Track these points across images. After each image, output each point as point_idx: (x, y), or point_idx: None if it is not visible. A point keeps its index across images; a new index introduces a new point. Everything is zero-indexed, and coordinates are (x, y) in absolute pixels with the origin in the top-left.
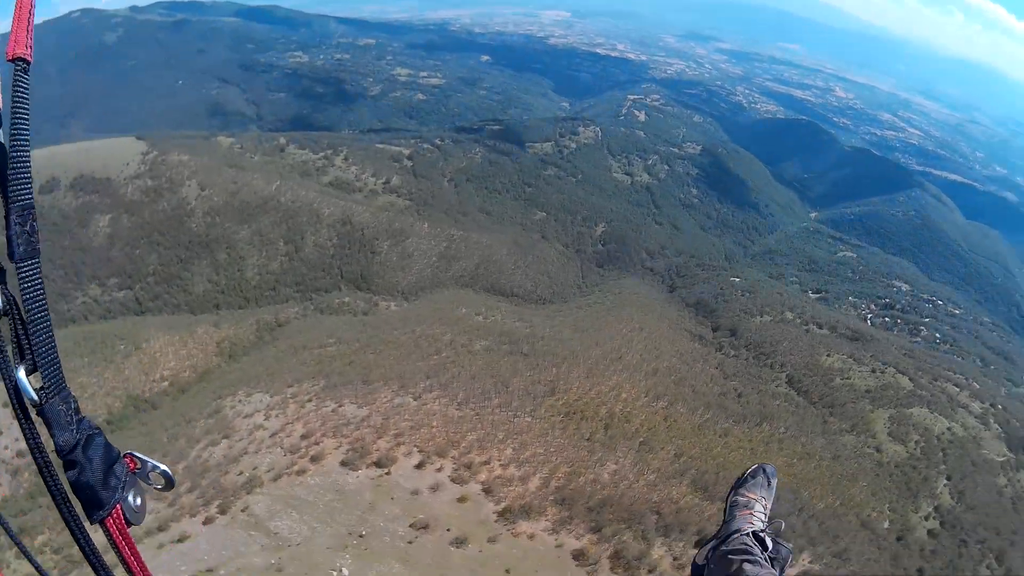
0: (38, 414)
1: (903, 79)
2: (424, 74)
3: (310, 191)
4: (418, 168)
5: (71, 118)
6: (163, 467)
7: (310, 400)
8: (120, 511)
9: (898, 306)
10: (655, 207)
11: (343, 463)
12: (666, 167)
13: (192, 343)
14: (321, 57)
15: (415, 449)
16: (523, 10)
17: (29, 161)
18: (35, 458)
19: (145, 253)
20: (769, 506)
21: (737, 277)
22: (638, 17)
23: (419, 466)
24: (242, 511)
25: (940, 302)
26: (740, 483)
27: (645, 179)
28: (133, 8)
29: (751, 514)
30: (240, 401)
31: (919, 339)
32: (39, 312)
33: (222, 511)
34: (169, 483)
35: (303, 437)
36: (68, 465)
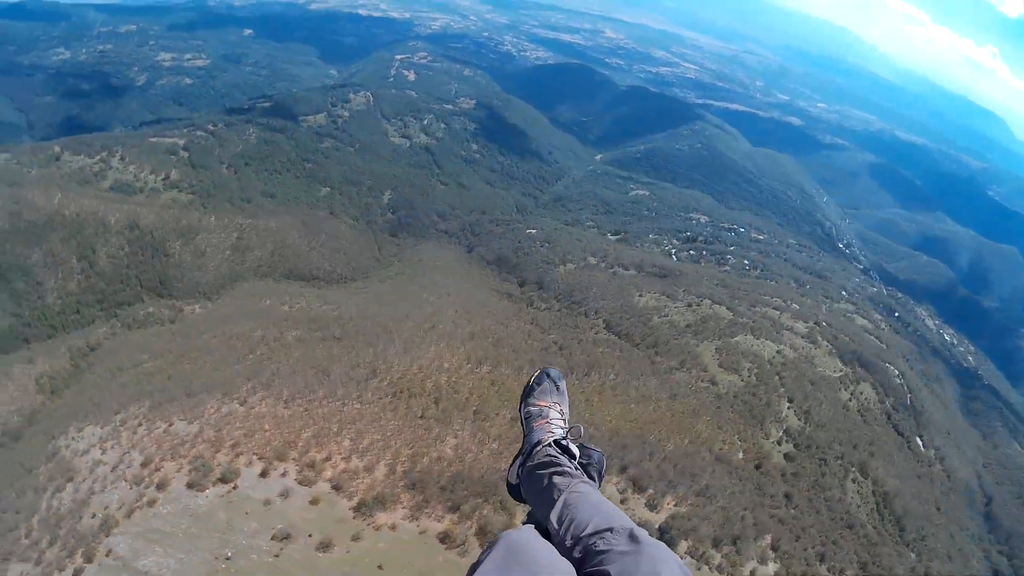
0: None
1: (672, 14)
2: (189, 56)
3: (92, 199)
4: (195, 158)
5: None
6: None
7: (140, 424)
8: None
9: (700, 238)
10: (438, 167)
11: (189, 485)
12: (443, 125)
13: (12, 386)
14: (84, 51)
15: (255, 457)
16: None
17: None
18: None
19: None
20: (565, 410)
21: (533, 228)
22: None
23: (263, 474)
24: (107, 555)
25: (742, 229)
26: (528, 393)
27: (423, 140)
28: None
29: (547, 423)
30: (73, 438)
31: (728, 268)
32: None
33: (88, 559)
34: None
35: (143, 465)
36: None
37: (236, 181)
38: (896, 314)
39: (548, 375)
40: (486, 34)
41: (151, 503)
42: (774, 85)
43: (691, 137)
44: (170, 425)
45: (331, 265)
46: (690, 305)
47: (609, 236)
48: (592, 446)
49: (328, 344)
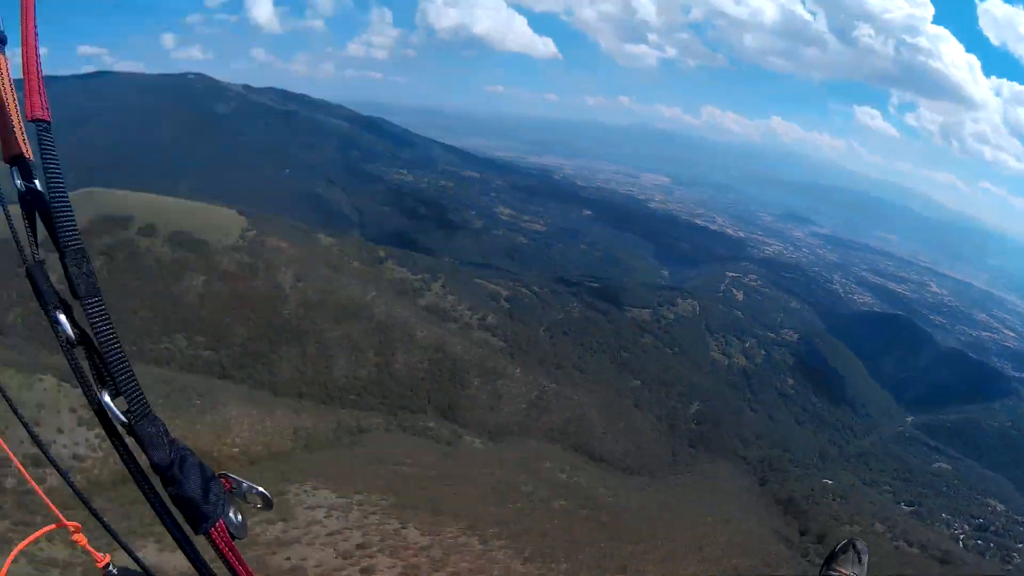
0: (129, 434)
1: (997, 275)
2: (527, 218)
3: (405, 310)
4: (515, 311)
5: (180, 176)
6: (260, 488)
7: (375, 513)
8: (223, 525)
9: (991, 528)
10: (751, 392)
11: None
12: (763, 352)
13: (269, 422)
14: (426, 180)
15: None
16: (624, 168)
17: (71, 210)
18: (133, 473)
19: (235, 323)
20: None
21: (830, 479)
22: (736, 191)
23: None
24: None
25: None
26: (831, 558)
27: (742, 362)
28: (247, 87)
29: None
30: (306, 492)
31: (1011, 567)
32: (113, 343)
33: None
34: (267, 503)
35: (359, 547)
36: (167, 481)
37: (551, 345)
38: None
39: (854, 545)
40: (816, 269)
41: None
42: None
43: (1002, 414)
44: (403, 527)
45: (623, 453)
46: None
47: (903, 506)
48: None
49: (591, 525)
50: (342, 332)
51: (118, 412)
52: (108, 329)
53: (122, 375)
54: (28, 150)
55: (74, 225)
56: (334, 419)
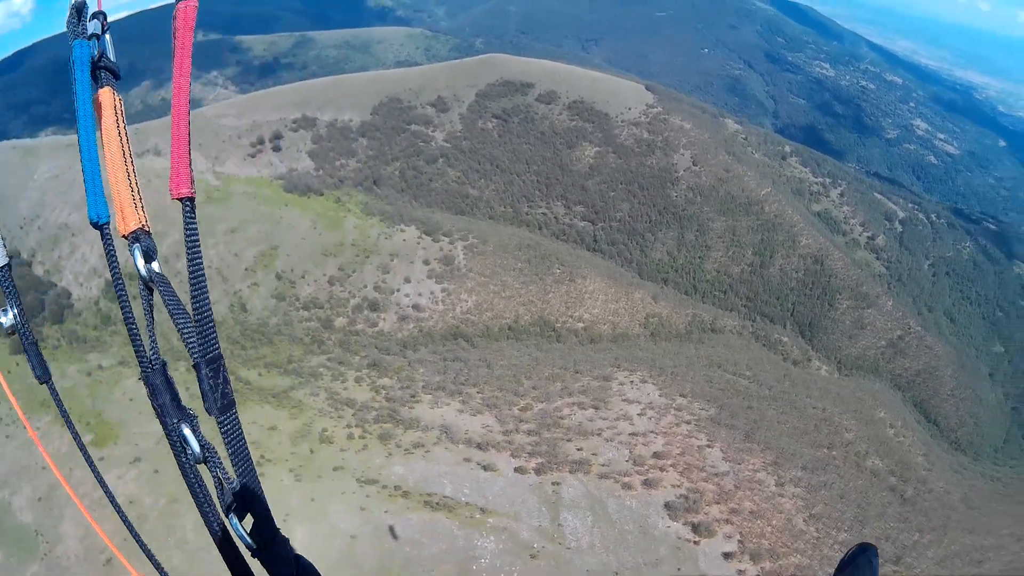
0: (255, 557)
1: None
2: (941, 136)
3: (796, 213)
4: (906, 237)
5: (593, 45)
6: None
7: (689, 423)
8: None
9: None
10: None
11: (666, 505)
12: None
13: (624, 303)
14: (847, 78)
15: (737, 536)
16: None
17: (210, 309)
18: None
19: (619, 199)
20: None
21: None
22: None
23: (727, 556)
24: (552, 484)
25: None
26: (843, 566)
27: None
28: None
29: None
30: (632, 383)
31: None
32: (244, 462)
33: (538, 471)
34: None
35: (655, 455)
36: None
37: (930, 283)
38: None
39: (864, 550)
40: None
41: (626, 487)
42: None
43: None
44: (708, 446)
45: (958, 422)
46: None
47: None
48: None
49: (891, 496)
50: (726, 224)
51: (245, 535)
52: (242, 447)
53: (251, 495)
54: (147, 221)
55: (213, 327)
56: (690, 312)
